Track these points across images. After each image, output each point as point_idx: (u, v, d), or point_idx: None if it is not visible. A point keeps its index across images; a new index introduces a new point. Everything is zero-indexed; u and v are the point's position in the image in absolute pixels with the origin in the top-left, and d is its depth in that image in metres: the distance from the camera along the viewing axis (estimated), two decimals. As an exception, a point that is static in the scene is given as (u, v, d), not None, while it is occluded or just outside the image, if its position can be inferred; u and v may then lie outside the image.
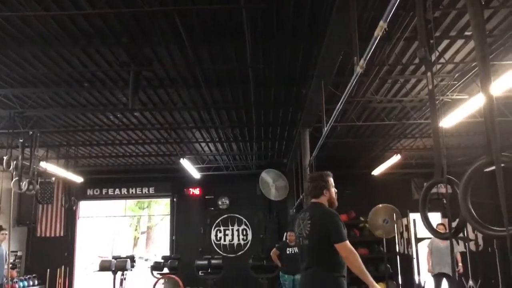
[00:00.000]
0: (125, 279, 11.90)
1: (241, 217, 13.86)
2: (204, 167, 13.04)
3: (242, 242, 13.72)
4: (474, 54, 5.41)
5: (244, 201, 13.81)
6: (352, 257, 3.38)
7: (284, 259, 8.50)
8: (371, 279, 3.36)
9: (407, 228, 11.33)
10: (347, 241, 3.41)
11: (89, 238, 14.95)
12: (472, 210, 2.14)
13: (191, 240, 13.49)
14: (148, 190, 14.15)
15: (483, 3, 2.64)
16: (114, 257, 12.01)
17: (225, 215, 13.88)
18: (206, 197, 13.92)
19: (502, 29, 5.63)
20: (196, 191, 13.89)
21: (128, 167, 13.62)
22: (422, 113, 8.71)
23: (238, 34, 5.51)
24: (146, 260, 21.60)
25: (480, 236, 11.86)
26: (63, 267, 13.18)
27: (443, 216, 11.82)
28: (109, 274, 11.59)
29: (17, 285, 11.47)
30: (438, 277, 8.53)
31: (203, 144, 11.31)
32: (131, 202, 22.57)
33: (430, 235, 6.79)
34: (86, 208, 14.66)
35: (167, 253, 13.40)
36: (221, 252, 13.41)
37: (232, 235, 13.79)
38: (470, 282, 10.92)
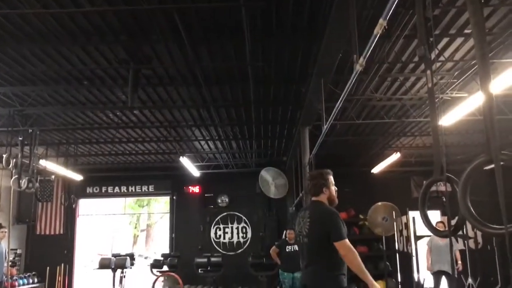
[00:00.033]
0: (124, 277, 11.91)
1: (241, 215, 13.87)
2: (203, 165, 13.05)
3: (241, 240, 13.72)
4: (474, 52, 5.40)
5: (243, 199, 13.81)
6: (351, 255, 3.38)
7: (284, 257, 8.51)
8: (370, 277, 3.36)
9: (407, 226, 11.34)
10: (346, 240, 3.41)
11: (88, 236, 14.96)
12: (471, 208, 2.15)
13: (191, 238, 13.49)
14: (148, 188, 14.16)
15: (482, 1, 2.64)
16: (114, 255, 12.02)
17: (225, 213, 13.88)
18: (205, 195, 13.92)
19: (501, 27, 5.62)
20: (196, 189, 13.89)
21: (127, 165, 13.62)
22: (421, 111, 8.71)
23: (237, 32, 5.51)
24: (146, 258, 21.60)
25: (479, 234, 11.88)
26: (62, 265, 13.20)
27: (443, 214, 11.82)
28: (108, 272, 11.60)
29: (16, 283, 11.48)
30: (437, 275, 8.54)
31: (202, 142, 11.30)
32: (130, 200, 22.58)
33: (429, 233, 6.80)
34: (85, 206, 14.65)
35: (167, 251, 13.40)
36: (220, 250, 13.42)
37: (232, 233, 13.80)
38: (469, 280, 10.95)
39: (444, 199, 10.88)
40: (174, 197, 14.03)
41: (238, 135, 10.65)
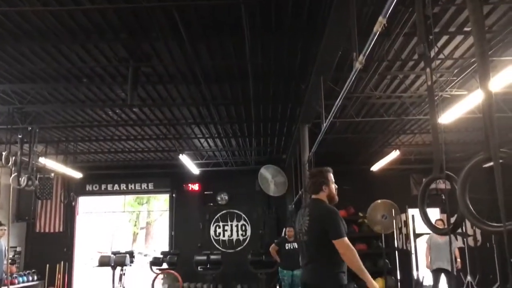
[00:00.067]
0: (124, 274, 11.93)
1: (240, 213, 13.88)
2: (203, 163, 13.05)
3: (241, 237, 13.74)
4: (473, 50, 5.41)
5: (243, 197, 13.82)
6: (350, 253, 3.38)
7: (283, 254, 8.52)
8: (368, 276, 3.36)
9: (406, 223, 11.35)
10: (345, 238, 3.41)
11: (88, 233, 14.96)
12: (470, 205, 2.15)
13: (190, 236, 13.51)
14: (147, 186, 14.16)
15: (482, -2, 2.64)
16: (113, 253, 12.03)
17: (224, 211, 13.89)
18: (205, 192, 13.93)
19: (501, 25, 5.62)
20: (195, 187, 13.90)
21: (127, 163, 13.62)
22: (421, 109, 8.71)
23: (236, 30, 5.50)
24: (145, 255, 21.62)
25: (478, 231, 11.91)
26: (62, 262, 13.21)
27: (442, 211, 11.84)
28: (108, 269, 11.61)
29: (16, 281, 11.49)
30: (436, 273, 8.56)
31: (202, 140, 11.31)
32: (130, 198, 22.59)
33: (428, 231, 6.81)
34: (85, 204, 14.66)
35: (166, 248, 13.42)
36: (220, 248, 13.43)
37: (231, 230, 13.81)
38: (468, 278, 10.98)
39: (443, 197, 10.89)
40: (174, 195, 14.04)
41: (237, 132, 10.65)
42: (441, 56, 6.39)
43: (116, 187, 14.10)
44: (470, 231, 11.74)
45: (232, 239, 13.73)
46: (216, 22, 5.55)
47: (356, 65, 4.16)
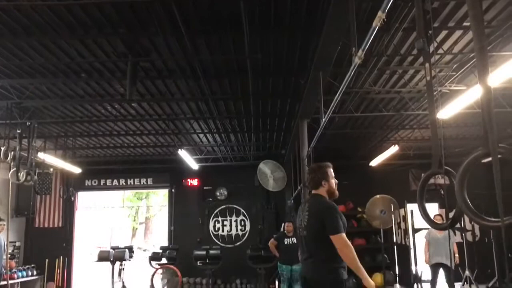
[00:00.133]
0: (123, 269, 11.96)
1: (239, 208, 13.90)
2: (202, 158, 13.05)
3: (240, 232, 13.77)
4: (473, 44, 5.41)
5: (242, 192, 13.84)
6: (346, 249, 3.39)
7: (282, 249, 8.54)
8: (364, 272, 3.37)
9: (405, 218, 11.41)
10: (342, 234, 3.42)
11: (87, 228, 14.98)
12: (468, 200, 2.16)
13: (189, 231, 13.53)
14: (146, 181, 14.16)
15: (481, -7, 2.63)
16: (113, 248, 12.05)
17: (223, 206, 13.91)
18: (204, 188, 13.94)
19: (500, 20, 5.61)
20: (194, 182, 13.91)
21: (126, 158, 13.62)
22: (420, 104, 8.71)
23: (236, 25, 5.49)
24: (145, 250, 21.72)
25: (477, 226, 11.95)
26: (61, 257, 13.24)
27: (441, 206, 11.88)
28: (107, 264, 11.64)
29: (16, 275, 11.51)
30: (435, 267, 8.59)
31: (201, 135, 11.31)
32: (129, 193, 22.65)
33: (427, 226, 6.83)
34: (84, 199, 14.67)
35: (166, 243, 13.45)
36: (219, 243, 13.46)
37: (230, 225, 13.83)
38: (467, 272, 11.03)
39: (442, 192, 10.93)
40: (173, 190, 14.05)
41: (236, 128, 10.65)
42: (440, 51, 6.38)
43: (115, 182, 14.09)
44: (468, 226, 11.81)
45: (231, 234, 13.76)
46: (215, 16, 5.54)
47: (355, 60, 4.15)
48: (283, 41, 6.20)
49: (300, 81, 7.52)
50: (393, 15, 5.23)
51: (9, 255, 9.42)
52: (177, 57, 6.51)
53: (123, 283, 11.95)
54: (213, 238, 13.66)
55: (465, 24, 5.67)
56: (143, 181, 14.14)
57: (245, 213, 13.86)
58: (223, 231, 13.79)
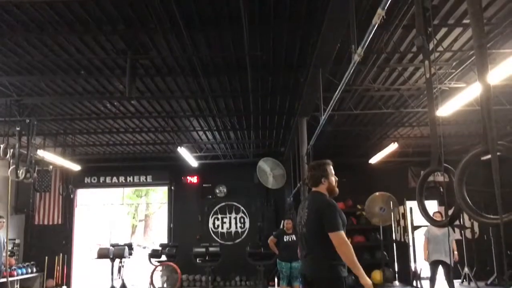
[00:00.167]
0: (123, 266, 11.97)
1: (239, 205, 13.91)
2: (201, 155, 13.05)
3: (239, 230, 13.78)
4: (472, 42, 5.40)
5: (241, 190, 13.84)
6: (344, 247, 3.39)
7: (282, 246, 8.55)
8: (361, 271, 3.36)
9: (404, 216, 11.41)
10: (340, 231, 3.42)
11: (87, 226, 14.99)
12: (467, 198, 2.16)
13: (189, 228, 13.54)
14: (146, 179, 14.16)
15: (481, -9, 2.63)
16: (112, 245, 12.06)
17: (223, 203, 13.92)
18: (203, 185, 13.95)
19: (500, 17, 5.61)
20: (194, 180, 13.92)
21: (125, 156, 13.61)
22: (419, 101, 8.71)
23: (235, 21, 5.49)
24: (144, 247, 21.72)
25: (476, 224, 11.97)
26: (61, 254, 13.24)
27: (440, 204, 11.89)
28: (107, 261, 11.65)
29: (15, 273, 11.52)
30: (434, 265, 8.59)
31: (200, 133, 11.30)
32: (129, 190, 22.66)
33: (426, 223, 6.83)
34: (83, 196, 14.67)
35: (165, 240, 13.46)
36: (218, 240, 13.47)
37: (230, 223, 13.85)
38: (466, 269, 11.06)
39: (441, 189, 10.94)
40: (172, 188, 14.06)
41: (236, 125, 10.65)
42: (440, 48, 6.38)
43: (114, 179, 14.09)
44: (467, 224, 11.82)
45: (231, 231, 13.77)
46: (214, 13, 5.53)
47: (354, 57, 4.15)
48: (283, 38, 6.19)
49: (299, 78, 7.52)
50: (393, 12, 5.22)
51: (8, 252, 9.43)
52: (176, 54, 6.50)
53: (123, 280, 11.97)
54: (213, 235, 13.68)
55: (464, 21, 5.66)
56: (142, 178, 14.14)
57: (245, 211, 13.88)
58: (222, 228, 13.80)
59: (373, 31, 3.69)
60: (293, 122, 9.69)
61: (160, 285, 11.03)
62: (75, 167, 12.21)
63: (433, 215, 6.83)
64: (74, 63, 6.85)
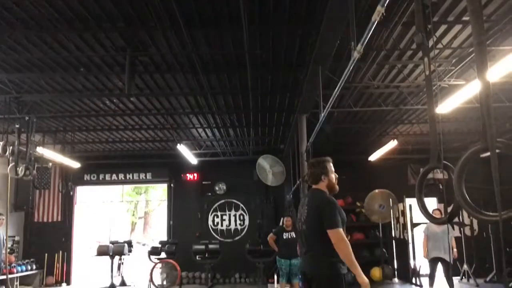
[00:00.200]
0: (122, 263, 12.00)
1: (238, 203, 13.92)
2: (201, 152, 13.06)
3: (239, 227, 13.79)
4: (472, 39, 5.39)
5: (241, 187, 13.85)
6: (342, 245, 3.39)
7: (281, 243, 8.56)
8: (358, 269, 3.36)
9: (403, 213, 11.43)
10: (339, 229, 3.42)
11: (86, 223, 15.00)
12: (466, 195, 2.16)
13: (189, 225, 13.56)
14: (145, 176, 14.15)
15: (481, -12, 2.62)
16: (112, 242, 12.08)
17: (222, 200, 13.93)
18: (203, 182, 13.96)
19: (500, 14, 5.60)
20: (193, 177, 13.92)
21: (125, 153, 13.61)
22: (419, 98, 8.71)
23: (235, 21, 5.48)
24: (144, 245, 21.76)
25: (475, 221, 11.99)
26: (61, 251, 13.26)
27: (439, 201, 11.91)
28: (106, 258, 11.67)
29: (15, 270, 11.53)
30: (433, 262, 8.62)
31: (200, 130, 11.30)
32: (128, 188, 22.68)
33: (425, 220, 6.84)
34: (83, 194, 14.68)
35: (165, 238, 13.47)
36: (218, 237, 13.49)
37: (229, 220, 13.86)
38: (465, 266, 11.08)
39: (441, 187, 10.95)
40: (172, 185, 14.06)
41: (235, 122, 10.64)
42: (439, 45, 6.37)
43: (114, 177, 14.08)
44: (467, 221, 11.84)
45: (230, 229, 13.78)
46: (214, 11, 5.52)
47: (354, 54, 4.14)
48: (282, 35, 6.19)
49: (299, 76, 7.51)
50: (392, 9, 5.22)
51: (8, 250, 9.44)
52: (176, 51, 6.49)
53: (122, 277, 12.00)
54: (212, 232, 13.69)
55: (464, 18, 5.66)
56: (142, 175, 14.14)
57: (244, 208, 13.89)
58: (222, 225, 13.81)
59: (373, 28, 3.69)
60: (293, 119, 9.69)
61: (160, 282, 11.04)
62: (75, 164, 12.21)
63: (432, 212, 6.84)
64: (73, 60, 6.85)
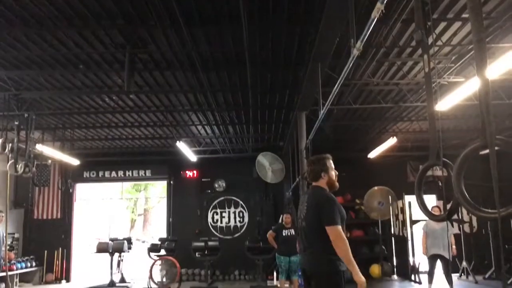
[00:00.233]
0: (122, 260, 12.00)
1: (238, 200, 13.93)
2: (200, 150, 13.06)
3: (238, 224, 13.80)
4: (471, 36, 5.39)
5: (240, 184, 13.86)
6: (339, 242, 3.39)
7: (280, 241, 8.57)
8: (355, 267, 3.36)
9: (402, 210, 11.44)
10: (337, 226, 3.42)
11: (86, 220, 15.00)
12: (465, 192, 2.17)
13: (188, 222, 13.56)
14: (145, 173, 14.15)
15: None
16: (111, 239, 12.08)
17: (222, 198, 13.93)
18: (202, 179, 13.95)
19: (500, 11, 5.60)
20: (193, 174, 13.92)
21: (124, 150, 13.61)
22: (418, 96, 8.71)
23: (235, 19, 5.48)
24: (143, 242, 21.75)
25: (474, 218, 12.00)
26: (60, 249, 13.27)
27: (439, 198, 11.92)
28: (106, 255, 11.67)
29: (15, 267, 11.55)
30: (432, 259, 8.62)
31: (199, 127, 11.29)
32: (127, 185, 22.65)
33: (425, 217, 6.85)
34: (82, 191, 14.68)
35: (164, 235, 13.48)
36: (217, 234, 13.50)
37: (229, 217, 13.87)
38: (464, 263, 11.10)
39: (440, 184, 10.96)
40: (171, 182, 14.06)
41: (235, 120, 10.64)
42: (439, 42, 6.37)
43: (113, 174, 14.08)
44: (466, 218, 11.85)
45: (230, 226, 13.80)
46: (214, 8, 5.52)
47: (353, 51, 4.14)
48: (282, 32, 6.18)
49: (298, 73, 7.51)
50: (392, 6, 5.21)
51: (8, 247, 9.45)
52: (176, 49, 6.49)
53: (122, 274, 12.01)
54: (212, 229, 13.70)
55: (464, 15, 5.65)
56: (141, 173, 14.14)
57: (244, 205, 13.89)
58: (221, 222, 13.82)
59: (372, 25, 3.69)
60: (292, 116, 9.69)
61: (159, 279, 11.05)
62: (74, 162, 12.21)
63: (431, 209, 6.85)
64: (72, 57, 6.84)
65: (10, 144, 8.32)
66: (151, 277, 11.00)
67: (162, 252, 11.84)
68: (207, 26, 5.85)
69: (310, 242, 3.62)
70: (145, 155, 13.88)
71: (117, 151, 13.62)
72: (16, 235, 13.10)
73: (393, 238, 12.25)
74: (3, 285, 9.39)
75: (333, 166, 3.79)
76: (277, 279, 10.25)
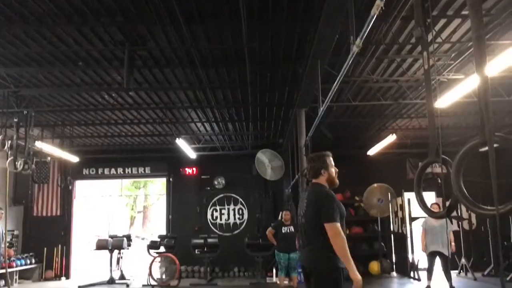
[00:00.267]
0: (122, 257, 12.01)
1: (237, 197, 13.94)
2: (200, 147, 13.06)
3: (238, 221, 13.82)
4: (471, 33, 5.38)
5: (240, 181, 13.86)
6: (337, 239, 3.39)
7: (280, 237, 8.58)
8: (352, 265, 3.36)
9: (402, 207, 11.45)
10: (336, 223, 3.42)
11: (85, 217, 15.02)
12: (464, 189, 2.17)
13: (188, 219, 13.57)
14: (144, 170, 14.14)
15: (480, -18, 2.62)
16: (111, 236, 12.10)
17: (221, 195, 13.94)
18: (202, 176, 13.96)
19: (499, 8, 5.59)
20: (192, 171, 13.93)
21: (123, 147, 13.61)
22: (418, 93, 8.71)
23: (234, 13, 5.46)
24: (143, 239, 21.80)
25: (473, 215, 12.02)
26: (60, 246, 13.27)
27: (438, 195, 11.93)
28: (106, 252, 11.69)
29: (14, 264, 11.56)
30: (431, 255, 8.65)
31: (198, 124, 11.29)
32: (127, 182, 22.68)
33: (424, 214, 6.86)
34: (82, 188, 14.68)
35: (164, 232, 13.50)
36: (217, 231, 13.51)
37: (228, 214, 13.88)
38: (463, 260, 11.12)
39: (439, 181, 10.98)
40: (171, 179, 14.06)
41: (234, 117, 10.64)
42: (438, 39, 6.36)
43: (113, 171, 14.08)
44: (465, 215, 11.87)
45: (229, 223, 13.81)
46: (213, 5, 5.51)
47: (353, 48, 4.14)
48: (281, 29, 6.17)
49: (298, 70, 7.50)
50: (392, 3, 5.21)
51: (7, 244, 9.45)
52: (175, 46, 6.48)
53: (121, 271, 12.02)
54: (211, 226, 13.72)
55: (463, 12, 5.65)
56: (141, 170, 14.13)
57: (243, 202, 13.90)
58: (221, 219, 13.84)
59: (372, 22, 3.68)
60: (292, 113, 9.68)
61: (159, 276, 11.06)
62: (74, 159, 12.20)
63: (430, 206, 6.86)
64: (72, 54, 6.83)
65: (10, 141, 8.32)
66: (150, 274, 11.02)
67: (162, 249, 11.86)
68: (207, 22, 5.85)
69: (310, 238, 3.62)
70: (145, 152, 13.88)
71: (117, 148, 13.62)
72: (15, 232, 13.10)
73: (392, 235, 12.27)
74: (3, 282, 9.42)
75: (333, 163, 3.79)
76: (277, 276, 10.26)
